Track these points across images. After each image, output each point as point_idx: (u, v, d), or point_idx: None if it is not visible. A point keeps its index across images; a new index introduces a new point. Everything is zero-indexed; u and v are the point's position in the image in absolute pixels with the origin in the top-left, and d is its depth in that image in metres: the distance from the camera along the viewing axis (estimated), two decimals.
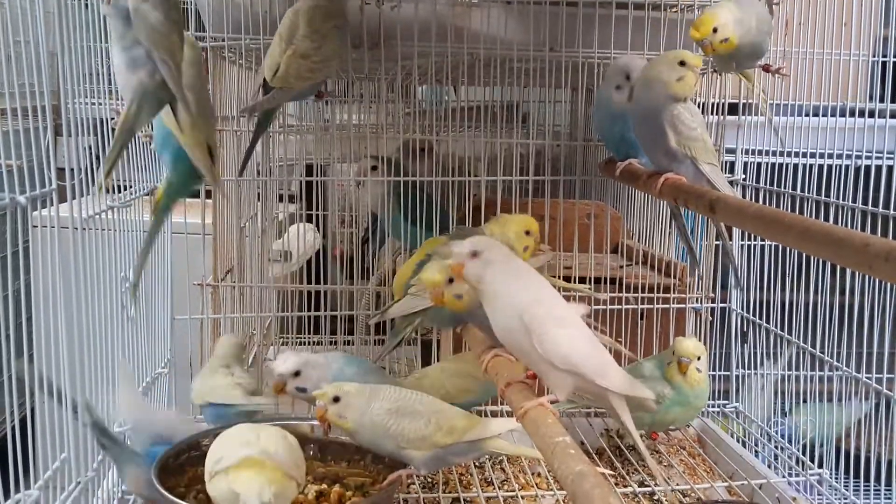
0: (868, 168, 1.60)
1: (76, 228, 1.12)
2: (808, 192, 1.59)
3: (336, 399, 1.12)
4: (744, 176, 1.73)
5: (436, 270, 1.14)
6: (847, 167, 1.59)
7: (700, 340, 1.49)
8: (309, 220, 2.19)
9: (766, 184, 1.69)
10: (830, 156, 1.63)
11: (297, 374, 1.27)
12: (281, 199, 2.10)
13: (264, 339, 1.88)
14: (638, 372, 1.46)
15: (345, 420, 1.13)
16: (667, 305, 1.71)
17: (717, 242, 1.75)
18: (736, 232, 1.83)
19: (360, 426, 1.13)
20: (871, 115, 1.66)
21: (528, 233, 1.29)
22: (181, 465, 1.19)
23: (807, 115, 1.66)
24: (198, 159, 1.16)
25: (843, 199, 1.52)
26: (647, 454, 1.09)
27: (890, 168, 1.56)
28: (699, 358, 1.43)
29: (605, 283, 1.68)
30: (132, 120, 1.07)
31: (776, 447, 1.64)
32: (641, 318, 1.70)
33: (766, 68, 1.42)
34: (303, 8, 1.33)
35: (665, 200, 1.36)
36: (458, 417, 1.15)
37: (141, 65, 1.05)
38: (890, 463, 1.69)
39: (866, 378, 1.50)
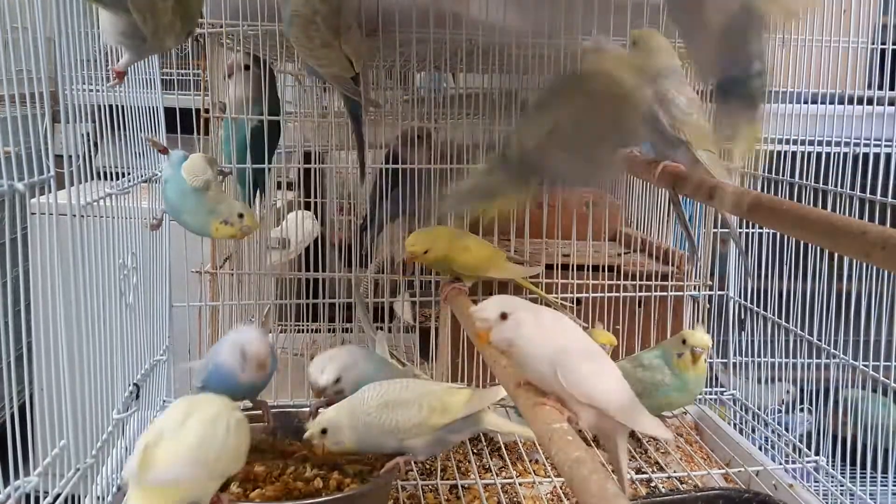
0: (866, 156, 1.60)
1: (74, 215, 1.12)
2: (806, 180, 1.59)
3: (324, 431, 1.14)
4: (742, 164, 1.73)
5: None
6: (845, 155, 1.59)
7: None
8: (307, 207, 2.19)
9: (764, 171, 1.68)
10: (829, 143, 1.63)
11: (337, 380, 1.27)
12: (279, 186, 2.10)
13: (263, 326, 1.88)
14: (638, 361, 1.47)
15: (342, 444, 1.14)
16: (665, 293, 1.71)
17: (716, 230, 1.76)
18: (734, 220, 1.83)
19: (359, 438, 1.14)
20: (870, 102, 1.65)
21: None
22: None
23: (805, 102, 1.66)
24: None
25: (842, 187, 1.52)
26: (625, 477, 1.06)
27: (888, 156, 1.55)
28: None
29: (604, 270, 1.69)
30: None
31: (773, 434, 1.64)
32: (639, 306, 1.71)
33: None
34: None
35: (664, 188, 1.35)
36: (448, 394, 1.15)
37: None
38: (886, 450, 1.70)
39: (863, 366, 1.50)
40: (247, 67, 1.57)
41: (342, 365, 1.27)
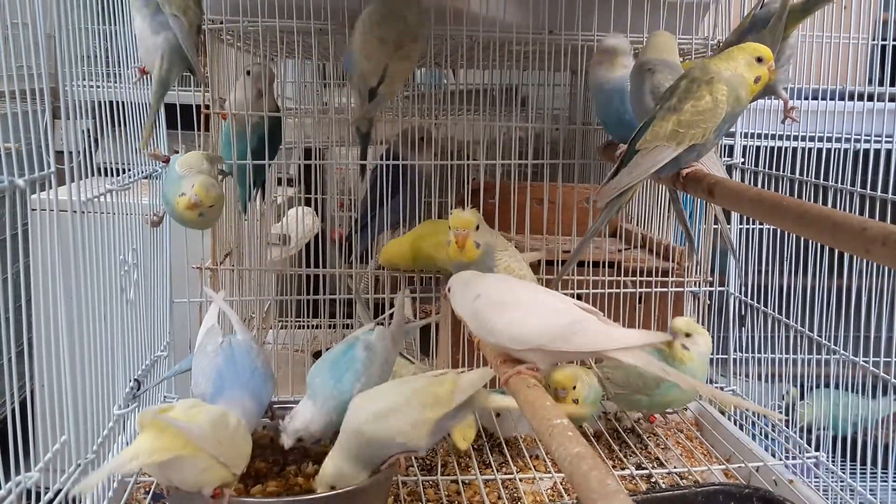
0: (867, 152, 1.60)
1: (75, 211, 1.12)
2: (807, 176, 1.59)
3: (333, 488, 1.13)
4: (743, 159, 1.73)
5: (470, 213, 1.28)
6: (846, 151, 1.59)
7: (699, 324, 1.49)
8: (308, 203, 2.19)
9: (764, 167, 1.68)
10: (830, 139, 1.63)
11: (300, 439, 1.21)
12: (279, 182, 2.10)
13: (263, 322, 1.88)
14: None
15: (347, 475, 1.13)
16: (665, 289, 1.72)
17: (716, 227, 1.76)
18: (734, 216, 1.83)
19: (364, 463, 1.13)
20: (871, 98, 1.65)
21: (759, 60, 1.12)
22: None
23: (806, 98, 1.66)
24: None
25: (842, 183, 1.52)
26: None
27: (889, 152, 1.55)
28: (688, 335, 1.42)
29: (604, 266, 1.69)
30: (165, 75, 1.21)
31: (773, 430, 1.64)
32: (640, 302, 1.71)
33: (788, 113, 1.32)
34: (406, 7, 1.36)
35: (663, 184, 1.35)
36: (434, 385, 1.13)
37: (165, 27, 1.21)
38: (887, 446, 1.70)
39: (863, 362, 1.50)
40: (248, 73, 1.56)
41: (305, 427, 1.20)
